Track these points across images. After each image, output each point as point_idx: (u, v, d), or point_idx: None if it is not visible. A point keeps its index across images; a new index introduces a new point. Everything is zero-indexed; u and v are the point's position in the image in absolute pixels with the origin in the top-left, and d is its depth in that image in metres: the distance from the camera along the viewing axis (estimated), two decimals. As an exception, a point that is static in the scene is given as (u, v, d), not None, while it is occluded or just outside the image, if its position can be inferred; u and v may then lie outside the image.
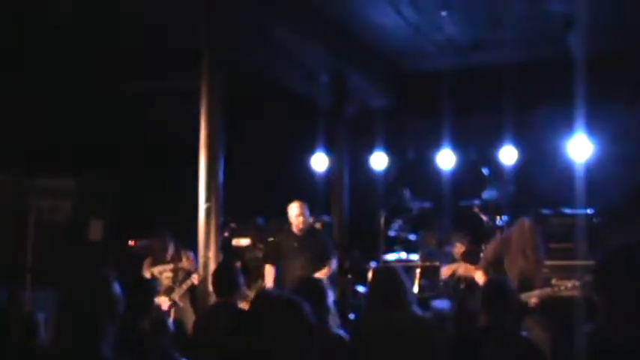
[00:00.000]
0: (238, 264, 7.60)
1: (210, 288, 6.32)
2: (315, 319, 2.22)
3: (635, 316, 2.35)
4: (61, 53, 8.52)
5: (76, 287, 2.79)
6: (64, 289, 2.81)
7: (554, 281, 7.28)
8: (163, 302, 7.48)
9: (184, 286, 7.59)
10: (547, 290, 6.28)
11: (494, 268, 6.42)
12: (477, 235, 9.11)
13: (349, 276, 9.02)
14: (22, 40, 8.02)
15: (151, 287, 5.45)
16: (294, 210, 7.24)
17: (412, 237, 9.83)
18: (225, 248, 8.13)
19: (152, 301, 7.37)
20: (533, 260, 6.37)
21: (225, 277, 5.31)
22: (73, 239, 9.58)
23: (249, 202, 9.64)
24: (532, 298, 6.14)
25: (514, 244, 6.41)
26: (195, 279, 7.28)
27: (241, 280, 5.41)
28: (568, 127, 8.95)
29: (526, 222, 6.47)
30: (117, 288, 2.73)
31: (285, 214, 7.37)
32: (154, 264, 7.83)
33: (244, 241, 8.98)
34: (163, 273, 7.78)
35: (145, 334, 4.71)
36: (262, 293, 5.11)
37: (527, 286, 6.21)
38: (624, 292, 2.39)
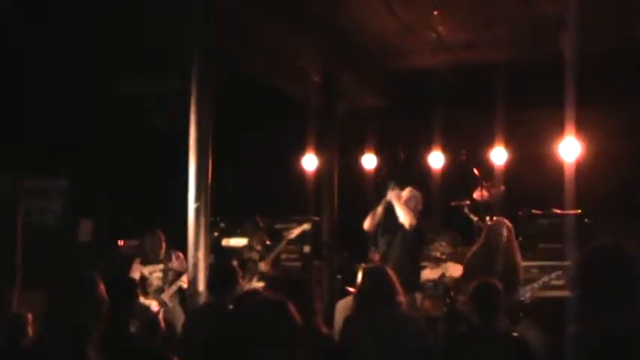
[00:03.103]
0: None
1: (201, 287, 6.32)
2: (302, 320, 2.21)
3: (615, 314, 2.36)
4: (56, 52, 8.47)
5: (61, 288, 2.78)
6: (51, 289, 2.81)
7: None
8: (152, 304, 7.44)
9: (174, 287, 7.56)
10: (534, 287, 6.30)
11: (478, 270, 6.43)
12: (466, 236, 9.11)
13: (339, 276, 9.00)
14: (17, 38, 7.98)
15: (138, 287, 5.43)
16: (404, 193, 7.39)
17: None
18: (216, 248, 8.09)
19: (138, 301, 7.32)
20: (517, 260, 6.40)
21: (219, 276, 5.30)
22: (62, 240, 9.52)
23: (238, 202, 9.60)
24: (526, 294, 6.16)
25: (494, 245, 6.43)
26: (184, 282, 7.24)
27: (238, 279, 5.39)
28: (558, 127, 8.97)
29: (504, 223, 6.49)
30: (101, 289, 2.72)
31: (274, 214, 7.31)
32: (144, 264, 7.80)
33: (240, 241, 8.84)
34: (153, 273, 7.74)
35: (135, 335, 4.69)
36: (248, 294, 5.10)
37: (511, 286, 6.21)
38: (604, 290, 2.40)
